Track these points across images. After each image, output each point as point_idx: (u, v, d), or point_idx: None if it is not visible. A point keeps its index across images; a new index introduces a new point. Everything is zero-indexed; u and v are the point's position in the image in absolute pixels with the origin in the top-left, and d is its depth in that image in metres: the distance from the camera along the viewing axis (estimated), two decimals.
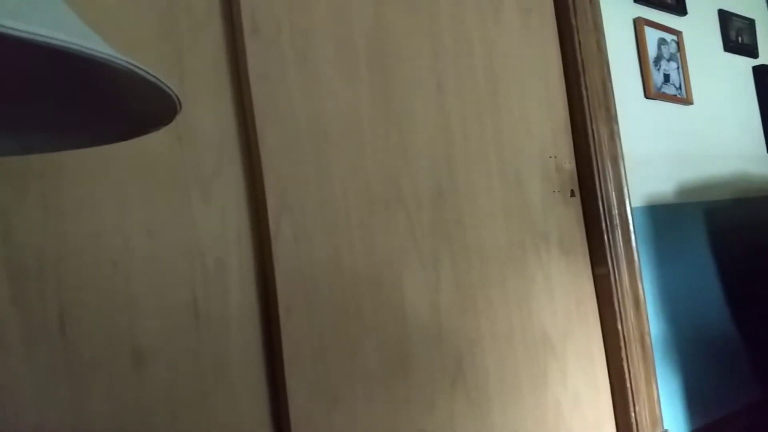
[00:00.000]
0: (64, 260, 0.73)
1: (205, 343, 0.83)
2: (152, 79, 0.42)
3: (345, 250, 0.97)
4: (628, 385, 1.35)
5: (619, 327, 1.36)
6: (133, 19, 0.82)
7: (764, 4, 2.21)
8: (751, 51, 2.09)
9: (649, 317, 1.46)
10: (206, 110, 0.87)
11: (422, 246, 1.08)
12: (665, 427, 1.41)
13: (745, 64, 2.08)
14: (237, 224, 0.88)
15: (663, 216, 1.60)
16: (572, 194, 1.38)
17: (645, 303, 1.41)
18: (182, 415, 0.79)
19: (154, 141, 0.82)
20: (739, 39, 2.05)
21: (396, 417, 1.00)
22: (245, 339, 0.87)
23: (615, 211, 1.39)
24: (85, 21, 0.77)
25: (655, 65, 1.67)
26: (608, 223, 1.38)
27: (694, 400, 1.57)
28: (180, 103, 0.48)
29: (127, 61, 0.40)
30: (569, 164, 1.39)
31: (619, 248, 1.38)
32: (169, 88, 0.44)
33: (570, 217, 1.37)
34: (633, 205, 1.48)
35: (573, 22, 1.40)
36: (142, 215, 0.80)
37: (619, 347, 1.36)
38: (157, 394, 0.78)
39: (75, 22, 0.42)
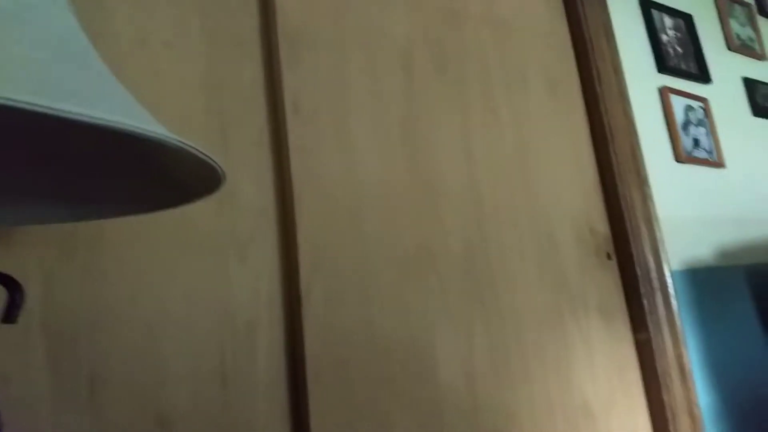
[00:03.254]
0: (99, 324, 0.75)
1: (231, 411, 0.82)
2: (201, 156, 0.45)
3: (376, 313, 0.98)
4: None
5: (665, 397, 1.29)
6: (185, 97, 0.89)
7: None
8: None
9: (697, 387, 1.39)
10: (247, 179, 0.92)
11: (454, 310, 1.07)
12: None
13: None
14: (269, 285, 0.90)
15: (703, 279, 1.55)
16: (609, 257, 1.36)
17: (691, 371, 1.35)
18: None
19: (196, 207, 0.86)
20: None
21: None
22: (272, 407, 0.86)
23: (653, 275, 1.36)
24: (138, 97, 0.84)
25: (684, 130, 1.67)
26: (647, 286, 1.35)
27: None
28: (224, 175, 0.51)
29: (178, 140, 0.44)
30: (603, 227, 1.38)
31: (659, 312, 1.34)
32: (215, 162, 0.48)
33: (608, 281, 1.34)
34: (672, 269, 1.45)
35: (598, 90, 1.43)
36: (179, 279, 0.82)
37: (666, 419, 1.28)
38: None
39: (130, 101, 0.46)
